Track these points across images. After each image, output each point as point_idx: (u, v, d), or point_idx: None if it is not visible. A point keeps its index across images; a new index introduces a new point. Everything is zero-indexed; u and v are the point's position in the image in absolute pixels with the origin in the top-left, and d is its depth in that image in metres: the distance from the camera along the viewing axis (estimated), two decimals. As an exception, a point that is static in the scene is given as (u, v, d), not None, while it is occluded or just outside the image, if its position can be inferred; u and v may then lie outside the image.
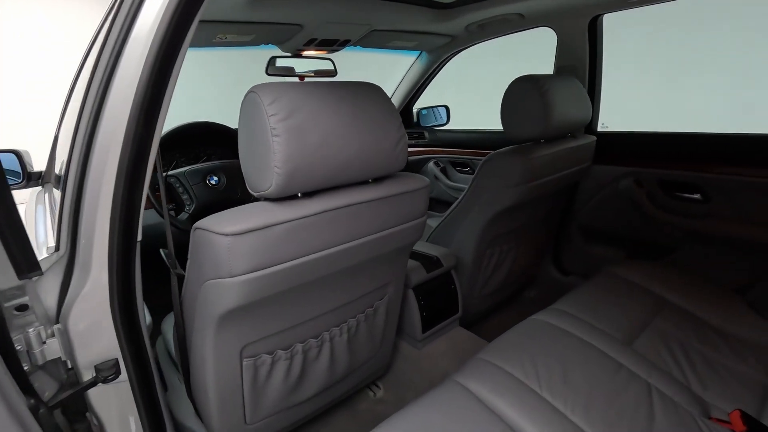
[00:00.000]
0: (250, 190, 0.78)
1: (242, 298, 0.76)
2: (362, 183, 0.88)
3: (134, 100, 0.59)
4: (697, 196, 1.50)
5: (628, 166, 1.61)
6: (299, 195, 0.79)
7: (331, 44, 1.56)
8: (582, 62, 1.57)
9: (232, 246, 0.70)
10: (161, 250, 0.91)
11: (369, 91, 0.86)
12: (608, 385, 0.95)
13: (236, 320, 0.81)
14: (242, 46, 1.44)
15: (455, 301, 1.48)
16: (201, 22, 0.62)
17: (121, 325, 0.67)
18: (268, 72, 1.64)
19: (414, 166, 2.51)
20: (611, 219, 1.72)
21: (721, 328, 1.24)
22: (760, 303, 1.31)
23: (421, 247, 1.50)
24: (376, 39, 1.64)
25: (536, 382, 0.94)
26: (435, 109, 2.58)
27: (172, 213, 1.48)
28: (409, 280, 1.33)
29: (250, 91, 0.74)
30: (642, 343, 1.16)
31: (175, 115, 0.91)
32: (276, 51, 1.62)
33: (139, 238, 0.67)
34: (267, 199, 0.77)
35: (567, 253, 1.91)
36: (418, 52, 2.09)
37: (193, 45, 0.66)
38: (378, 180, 0.91)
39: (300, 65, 1.72)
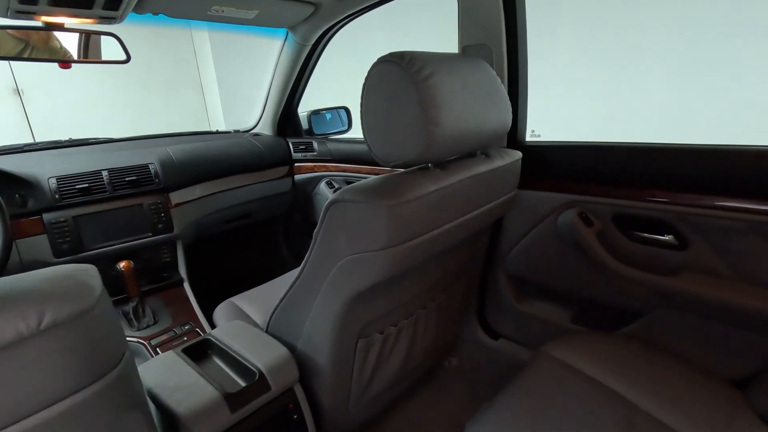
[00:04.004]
0: None
1: None
2: None
3: None
4: (668, 238, 1.00)
5: (570, 193, 1.10)
6: None
7: (87, 5, 0.91)
8: (496, 39, 1.03)
9: None
10: None
11: None
12: None
13: None
14: None
15: (304, 438, 0.89)
16: None
17: None
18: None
19: (302, 188, 1.90)
20: (549, 268, 1.20)
21: None
22: (771, 408, 0.82)
23: (243, 346, 0.89)
24: (180, 2, 1.02)
25: None
26: (334, 111, 1.99)
27: None
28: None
29: None
30: None
31: None
32: None
33: None
34: None
35: (495, 310, 1.38)
36: (284, 33, 1.48)
37: None
38: None
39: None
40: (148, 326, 1.23)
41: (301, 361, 0.91)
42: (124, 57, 1.10)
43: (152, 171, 1.40)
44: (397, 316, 0.98)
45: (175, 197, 1.44)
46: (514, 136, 1.16)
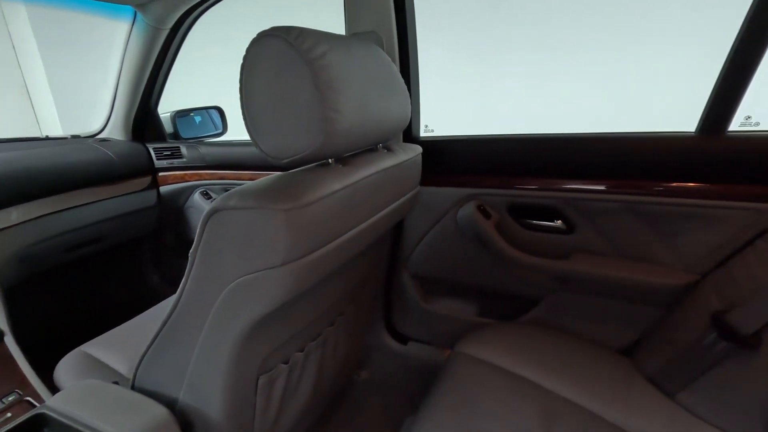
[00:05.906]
0: None
1: None
2: None
3: None
4: (558, 223, 1.06)
5: (468, 187, 1.09)
6: None
7: None
8: (386, 27, 0.97)
9: None
10: None
11: None
12: None
13: None
14: None
15: None
16: None
17: None
18: None
19: (171, 201, 1.62)
20: (452, 264, 1.19)
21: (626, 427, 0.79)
22: (655, 369, 0.91)
23: (97, 414, 0.67)
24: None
25: None
26: (204, 113, 1.74)
27: None
28: None
29: None
30: None
31: None
32: None
33: None
34: None
35: (402, 313, 1.33)
36: (132, 14, 1.22)
37: None
38: None
39: None
40: (-55, 408, 0.87)
41: (185, 418, 0.72)
42: None
43: (-60, 191, 1.02)
44: (303, 340, 0.84)
45: (-17, 224, 1.07)
46: (409, 130, 1.12)
